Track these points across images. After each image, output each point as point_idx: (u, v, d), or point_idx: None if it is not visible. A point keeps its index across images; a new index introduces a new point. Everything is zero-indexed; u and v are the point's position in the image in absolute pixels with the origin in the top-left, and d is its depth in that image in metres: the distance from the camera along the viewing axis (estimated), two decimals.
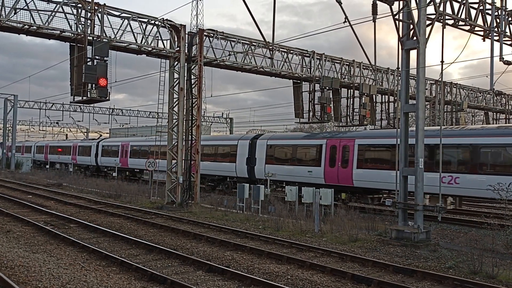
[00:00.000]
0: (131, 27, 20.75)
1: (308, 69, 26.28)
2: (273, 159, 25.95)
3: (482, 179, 17.41)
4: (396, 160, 14.79)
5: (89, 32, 19.27)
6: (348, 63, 27.98)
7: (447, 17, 15.69)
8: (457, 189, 18.26)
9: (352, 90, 27.93)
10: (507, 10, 17.63)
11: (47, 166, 55.63)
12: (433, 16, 15.00)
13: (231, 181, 29.03)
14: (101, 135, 57.13)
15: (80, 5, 19.27)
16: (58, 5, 18.85)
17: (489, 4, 17.14)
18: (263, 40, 16.48)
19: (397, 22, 14.55)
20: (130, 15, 20.79)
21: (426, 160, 17.07)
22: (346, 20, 13.75)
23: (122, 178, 38.41)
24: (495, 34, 17.31)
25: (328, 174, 22.84)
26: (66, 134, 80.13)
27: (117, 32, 20.37)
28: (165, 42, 21.98)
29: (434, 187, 15.66)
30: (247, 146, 27.67)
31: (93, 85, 18.77)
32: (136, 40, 20.94)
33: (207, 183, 30.77)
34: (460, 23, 16.47)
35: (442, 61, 14.43)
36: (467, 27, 16.83)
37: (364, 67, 28.35)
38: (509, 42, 18.20)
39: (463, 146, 18.36)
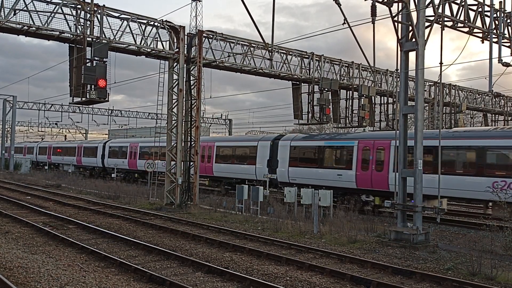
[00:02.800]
0: (130, 28, 20.78)
1: (307, 71, 26.29)
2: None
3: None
4: None
5: (88, 33, 19.27)
6: (347, 65, 27.98)
7: (446, 19, 15.71)
8: None
9: (351, 92, 27.96)
10: (506, 12, 17.67)
11: None
12: (432, 18, 15.03)
13: None
14: (42, 138, 76.29)
15: (79, 6, 19.29)
16: (58, 6, 18.86)
17: (487, 6, 17.18)
18: (262, 41, 16.50)
19: (396, 24, 14.56)
20: (130, 16, 20.80)
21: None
22: (345, 21, 13.79)
23: (50, 170, 52.62)
24: (493, 36, 17.35)
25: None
26: (65, 135, 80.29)
27: (116, 33, 20.39)
28: (164, 43, 22.02)
29: None
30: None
31: (92, 86, 18.78)
32: (135, 41, 20.95)
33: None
34: (459, 25, 16.50)
35: (441, 63, 14.47)
36: (466, 29, 16.86)
37: (363, 68, 28.37)
38: (507, 44, 18.23)
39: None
